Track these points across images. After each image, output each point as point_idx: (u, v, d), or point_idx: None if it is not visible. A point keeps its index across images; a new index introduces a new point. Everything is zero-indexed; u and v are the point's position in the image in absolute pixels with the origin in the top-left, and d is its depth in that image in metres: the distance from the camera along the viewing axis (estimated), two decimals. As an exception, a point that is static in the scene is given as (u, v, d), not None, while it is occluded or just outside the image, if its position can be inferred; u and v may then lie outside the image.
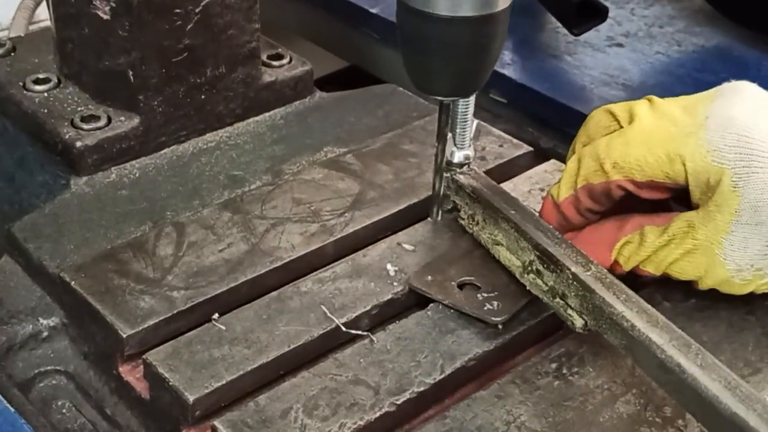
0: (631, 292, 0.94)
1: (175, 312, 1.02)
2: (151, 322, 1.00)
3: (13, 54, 1.37)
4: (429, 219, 1.14)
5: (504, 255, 1.05)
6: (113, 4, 1.19)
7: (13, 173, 1.28)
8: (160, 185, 1.22)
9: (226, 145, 1.30)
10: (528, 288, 1.01)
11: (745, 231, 0.96)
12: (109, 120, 1.24)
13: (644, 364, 0.90)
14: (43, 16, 1.57)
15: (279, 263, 1.08)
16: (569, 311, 0.96)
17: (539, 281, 1.00)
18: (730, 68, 1.51)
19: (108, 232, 1.14)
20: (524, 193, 1.19)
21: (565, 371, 0.98)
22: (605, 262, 1.01)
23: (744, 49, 1.56)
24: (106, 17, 1.20)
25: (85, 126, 1.23)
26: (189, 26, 1.22)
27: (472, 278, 1.05)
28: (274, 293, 1.04)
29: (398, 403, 0.94)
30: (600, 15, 1.49)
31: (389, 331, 1.01)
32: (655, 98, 1.05)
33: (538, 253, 0.99)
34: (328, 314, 1.01)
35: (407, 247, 1.11)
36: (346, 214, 1.15)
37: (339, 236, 1.12)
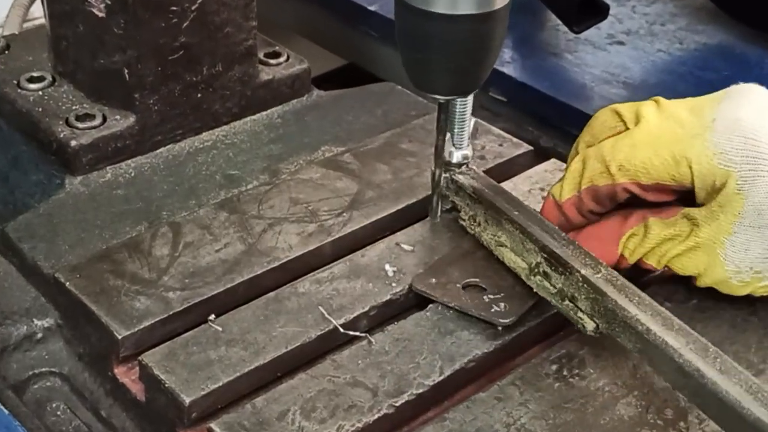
0: (644, 295, 0.94)
1: (171, 313, 1.01)
2: (146, 323, 1.00)
3: (7, 52, 1.37)
4: (428, 219, 1.14)
5: (508, 257, 1.05)
6: (108, 2, 1.19)
7: (7, 173, 1.27)
8: (155, 185, 1.22)
9: (222, 144, 1.30)
10: (535, 290, 1.01)
11: (748, 233, 0.96)
12: (105, 119, 1.24)
13: (661, 368, 0.90)
14: (38, 13, 1.57)
15: (276, 264, 1.08)
16: (579, 314, 0.96)
17: (546, 283, 1.00)
18: (732, 66, 1.51)
19: (103, 232, 1.14)
20: (524, 193, 1.19)
21: (565, 373, 0.98)
22: (612, 257, 1.01)
23: (746, 47, 1.56)
24: (101, 15, 1.20)
25: (80, 125, 1.23)
26: (185, 24, 1.22)
27: (477, 280, 1.05)
28: (271, 294, 1.04)
29: (397, 405, 0.94)
30: (601, 12, 1.49)
31: (388, 333, 1.01)
32: (661, 99, 1.05)
33: (545, 255, 0.99)
34: (326, 315, 1.01)
35: (406, 247, 1.11)
36: (344, 214, 1.15)
37: (337, 236, 1.12)
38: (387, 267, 1.08)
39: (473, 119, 1.09)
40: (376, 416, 0.92)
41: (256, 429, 0.91)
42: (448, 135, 1.08)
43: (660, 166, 0.99)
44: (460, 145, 1.09)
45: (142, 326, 1.00)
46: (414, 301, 1.06)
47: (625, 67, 1.50)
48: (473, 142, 1.11)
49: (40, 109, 1.26)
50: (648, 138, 1.00)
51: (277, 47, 1.38)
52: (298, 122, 1.34)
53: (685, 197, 1.02)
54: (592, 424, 0.93)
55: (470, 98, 1.06)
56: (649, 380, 0.94)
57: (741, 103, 1.00)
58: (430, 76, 0.97)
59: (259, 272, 1.07)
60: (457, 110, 1.07)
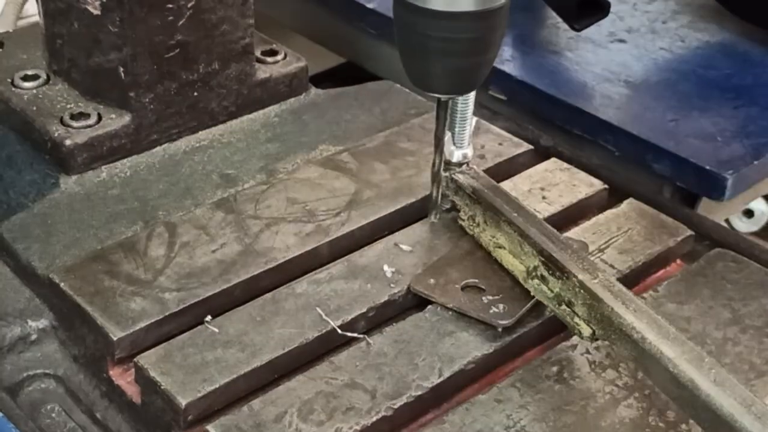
0: (640, 302, 0.93)
1: (167, 314, 1.02)
2: (142, 325, 1.00)
3: (0, 50, 1.37)
4: (427, 219, 1.14)
5: (507, 259, 1.05)
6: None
7: (1, 172, 1.27)
8: (151, 184, 1.22)
9: (219, 143, 1.30)
10: (532, 293, 1.01)
11: None
12: (100, 118, 1.24)
13: (655, 377, 0.90)
14: (32, 11, 1.56)
15: (273, 264, 1.08)
16: (576, 319, 0.96)
17: (544, 287, 1.00)
18: (734, 64, 1.51)
19: (98, 232, 1.14)
20: (524, 193, 1.19)
21: (566, 375, 0.98)
22: None
23: (749, 44, 1.56)
24: (96, 12, 1.20)
25: (74, 124, 1.23)
26: (181, 22, 1.22)
27: (476, 281, 1.05)
28: (268, 295, 1.04)
29: (395, 407, 0.94)
30: (602, 10, 1.50)
31: (386, 334, 1.01)
32: None
33: (542, 259, 0.99)
34: (324, 316, 1.01)
35: (404, 247, 1.11)
36: (342, 214, 1.15)
37: (335, 236, 1.12)
38: (385, 267, 1.08)
39: (474, 118, 1.09)
40: (374, 418, 0.92)
41: (253, 431, 0.91)
42: (448, 134, 1.08)
43: None
44: (461, 144, 1.09)
45: (137, 327, 1.00)
46: (413, 302, 1.06)
47: (626, 66, 1.50)
48: (473, 141, 1.10)
49: (35, 108, 1.26)
50: None
51: (274, 45, 1.38)
52: (295, 121, 1.34)
53: None
54: (593, 427, 0.93)
55: (472, 96, 1.06)
56: (650, 382, 0.94)
57: None
58: (429, 74, 0.97)
59: (256, 273, 1.07)
60: (459, 109, 1.07)
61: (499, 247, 1.05)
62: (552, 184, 1.21)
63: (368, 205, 1.16)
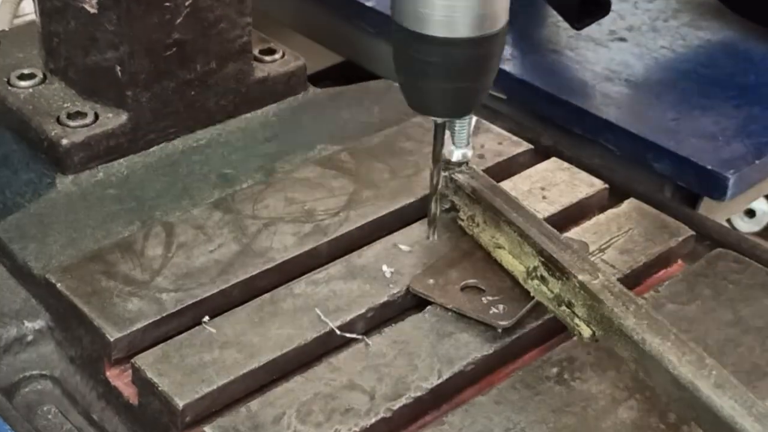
0: (641, 303, 0.93)
1: (164, 315, 1.01)
2: (139, 325, 1.00)
3: (-4, 48, 1.37)
4: (426, 219, 1.14)
5: (506, 259, 1.05)
6: (100, -2, 1.19)
7: (-4, 172, 1.28)
8: (148, 184, 1.22)
9: (216, 142, 1.30)
10: (532, 294, 1.01)
11: None
12: (97, 117, 1.24)
13: (655, 379, 0.90)
14: (28, 9, 1.57)
15: (271, 264, 1.08)
16: (576, 320, 0.96)
17: (544, 288, 1.00)
18: (736, 63, 1.51)
19: (95, 232, 1.14)
20: (524, 193, 1.19)
21: (566, 376, 0.98)
22: None
23: (750, 43, 1.56)
24: (93, 11, 1.20)
25: (71, 123, 1.23)
26: (179, 20, 1.22)
27: (475, 281, 1.05)
28: (266, 295, 1.04)
29: (394, 408, 0.94)
30: (602, 8, 1.50)
31: (385, 335, 1.01)
32: None
33: (542, 259, 0.99)
34: (322, 317, 1.02)
35: (403, 247, 1.11)
36: (341, 214, 1.15)
37: (333, 236, 1.12)
38: (384, 268, 1.08)
39: (474, 117, 1.09)
40: (373, 420, 0.92)
41: (251, 433, 0.91)
42: (448, 133, 1.08)
43: None
44: (461, 143, 1.09)
45: (134, 328, 1.00)
46: (412, 303, 1.06)
47: (627, 65, 1.50)
48: (472, 140, 1.10)
49: (31, 107, 1.26)
50: None
51: (272, 44, 1.38)
52: (293, 120, 1.34)
53: None
54: (593, 428, 0.93)
55: None
56: (651, 384, 0.94)
57: None
58: (426, 98, 0.98)
59: (254, 273, 1.07)
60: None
61: (499, 248, 1.05)
62: (552, 184, 1.21)
63: (367, 205, 1.16)
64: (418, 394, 0.95)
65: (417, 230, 1.13)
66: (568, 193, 1.20)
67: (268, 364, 0.97)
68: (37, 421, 1.04)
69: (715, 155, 1.30)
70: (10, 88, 1.29)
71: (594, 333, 0.95)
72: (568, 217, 1.18)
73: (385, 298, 1.05)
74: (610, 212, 1.18)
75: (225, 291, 1.05)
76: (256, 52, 1.35)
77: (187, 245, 1.10)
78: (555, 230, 1.03)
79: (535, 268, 1.00)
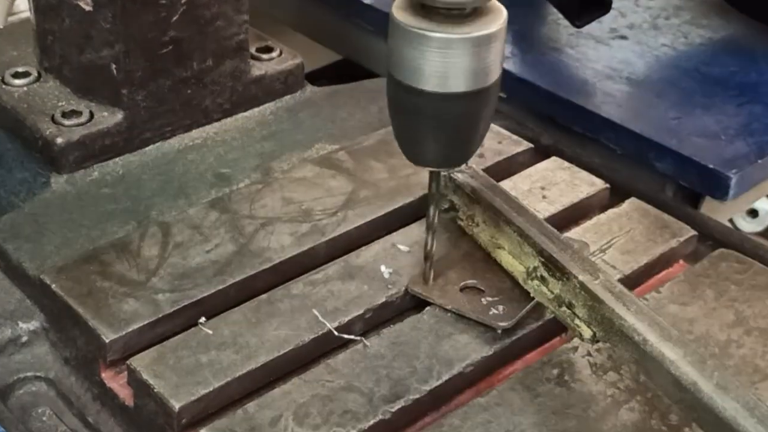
0: (641, 303, 0.93)
1: (160, 316, 1.01)
2: (135, 327, 1.00)
3: (-9, 46, 1.37)
4: (425, 219, 1.14)
5: (506, 259, 1.05)
6: (96, -5, 1.19)
7: (-9, 171, 1.28)
8: (144, 183, 1.22)
9: (213, 141, 1.30)
10: (532, 295, 1.01)
11: None
12: (92, 115, 1.24)
13: (657, 380, 0.90)
14: (23, 7, 1.57)
15: (268, 265, 1.08)
16: (576, 321, 0.96)
17: (544, 288, 1.00)
18: (738, 61, 1.51)
19: (90, 232, 1.14)
20: (524, 192, 1.19)
21: (567, 377, 0.98)
22: None
23: (753, 41, 1.56)
24: (88, 8, 1.20)
25: (66, 122, 1.23)
26: (175, 18, 1.22)
27: (475, 281, 1.05)
28: (263, 296, 1.04)
29: (393, 410, 0.94)
30: (603, 6, 1.50)
31: (383, 336, 1.01)
32: None
33: (542, 259, 0.99)
34: (320, 318, 1.01)
35: (402, 248, 1.11)
36: (339, 214, 1.15)
37: (331, 236, 1.12)
38: (383, 268, 1.08)
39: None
40: (371, 422, 0.92)
41: (248, 435, 0.91)
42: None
43: None
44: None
45: (130, 329, 1.00)
46: (410, 304, 1.06)
47: (628, 63, 1.50)
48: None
49: (26, 106, 1.26)
50: None
51: (269, 42, 1.38)
52: (291, 119, 1.34)
53: None
54: (594, 430, 0.93)
55: None
56: (652, 385, 0.94)
57: None
58: (421, 149, 0.98)
59: (250, 273, 1.07)
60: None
61: (499, 248, 1.05)
62: (552, 183, 1.21)
63: (365, 205, 1.16)
64: (417, 395, 0.95)
65: (416, 230, 1.13)
66: (569, 192, 1.20)
67: (265, 366, 0.97)
68: (31, 423, 1.04)
69: (718, 154, 1.30)
70: (4, 86, 1.29)
71: (595, 334, 0.95)
72: (568, 217, 1.18)
73: (384, 299, 1.05)
74: (611, 212, 1.18)
75: (222, 291, 1.05)
76: (253, 50, 1.35)
77: (184, 245, 1.10)
78: (555, 230, 1.03)
79: (535, 269, 1.00)
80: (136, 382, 0.97)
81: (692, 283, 1.09)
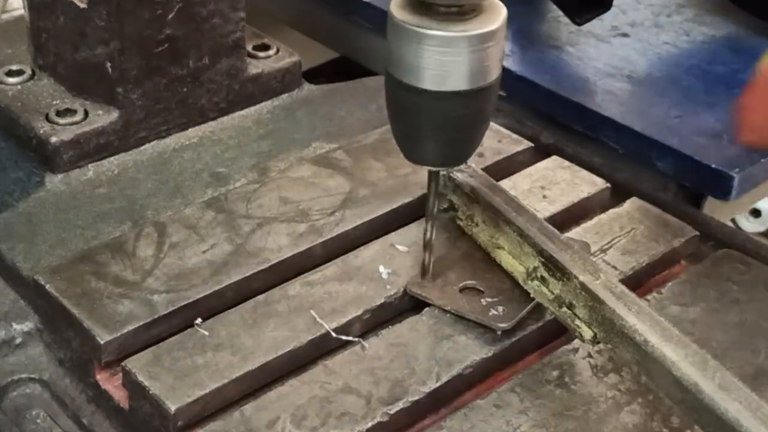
0: (643, 304, 0.93)
1: (155, 317, 1.01)
2: (130, 328, 1.00)
3: (-16, 44, 1.37)
4: (424, 219, 1.14)
5: (506, 259, 1.05)
6: (90, -8, 1.19)
7: (-16, 170, 1.28)
8: (140, 183, 1.22)
9: (209, 140, 1.30)
10: (532, 295, 1.01)
11: None
12: (86, 114, 1.24)
13: (658, 381, 0.90)
14: (17, 4, 1.57)
15: (265, 265, 1.08)
16: (577, 322, 0.96)
17: (544, 289, 1.00)
18: (741, 59, 1.51)
19: (85, 232, 1.14)
20: (524, 192, 1.19)
21: (567, 379, 0.98)
22: None
23: (755, 39, 1.56)
24: (82, 5, 1.20)
25: (60, 120, 1.23)
26: (170, 15, 1.22)
27: (474, 282, 1.05)
28: (260, 297, 1.04)
29: (391, 413, 0.94)
30: (604, 3, 1.50)
31: (382, 337, 1.01)
32: None
33: (542, 260, 0.99)
34: (318, 319, 1.01)
35: (401, 248, 1.11)
36: (336, 214, 1.15)
37: (329, 237, 1.12)
38: (381, 269, 1.08)
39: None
40: (369, 424, 0.92)
41: (245, 438, 0.91)
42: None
43: None
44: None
45: (125, 331, 1.00)
46: (409, 305, 1.06)
47: (629, 61, 1.50)
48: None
49: (20, 104, 1.26)
50: None
51: (266, 39, 1.38)
52: (288, 118, 1.34)
53: None
54: (595, 433, 0.93)
55: None
56: (653, 387, 0.94)
57: None
58: (420, 148, 0.98)
59: (247, 274, 1.07)
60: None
61: (498, 248, 1.05)
62: (553, 183, 1.21)
63: (363, 205, 1.16)
64: (416, 397, 0.95)
65: (414, 230, 1.13)
66: (569, 192, 1.20)
67: (262, 367, 0.97)
68: (25, 425, 1.04)
69: (720, 154, 1.30)
70: (-3, 84, 1.29)
71: (595, 335, 0.95)
72: (569, 217, 1.18)
73: (382, 300, 1.05)
74: (612, 212, 1.18)
75: (218, 292, 1.05)
76: (249, 47, 1.35)
77: (180, 245, 1.10)
78: (555, 230, 1.03)
79: (535, 269, 1.00)
80: (131, 383, 0.97)
81: (694, 283, 1.09)
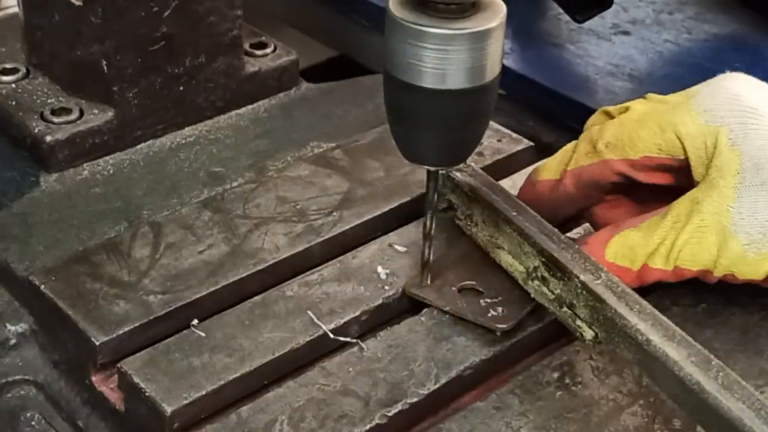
0: (644, 303, 0.93)
1: (151, 318, 1.01)
2: (126, 329, 1.00)
3: (-22, 42, 1.37)
4: (422, 219, 1.14)
5: (505, 259, 1.05)
6: (85, -11, 1.19)
7: (-22, 170, 1.28)
8: (135, 182, 1.22)
9: (206, 139, 1.30)
10: (532, 296, 1.01)
11: (752, 194, 0.97)
12: (81, 113, 1.24)
13: (660, 381, 0.90)
14: (11, 2, 1.56)
15: (263, 266, 1.08)
16: (578, 322, 0.96)
17: (545, 289, 1.00)
18: (743, 57, 1.51)
19: (80, 232, 1.14)
20: (524, 191, 1.19)
21: (567, 381, 0.98)
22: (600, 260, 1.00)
23: (758, 37, 1.56)
24: (77, 3, 1.20)
25: (55, 119, 1.23)
26: (166, 13, 1.22)
27: (473, 283, 1.05)
28: (257, 298, 1.04)
29: (390, 415, 0.94)
30: (605, 1, 1.50)
31: (380, 338, 1.01)
32: (650, 95, 1.09)
33: (543, 259, 0.99)
34: (315, 320, 1.01)
35: (399, 248, 1.11)
36: (334, 214, 1.15)
37: (326, 237, 1.12)
38: (379, 269, 1.08)
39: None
40: (368, 426, 0.92)
41: (242, 440, 0.91)
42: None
43: (646, 137, 1.02)
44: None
45: (121, 332, 1.00)
46: (408, 306, 1.06)
47: (630, 59, 1.50)
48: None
49: (14, 103, 1.26)
50: (635, 116, 1.05)
51: (263, 37, 1.38)
52: (285, 117, 1.34)
53: (683, 187, 1.02)
54: (596, 435, 0.93)
55: None
56: (655, 388, 0.94)
57: (724, 77, 1.05)
58: (418, 147, 0.98)
59: (244, 275, 1.07)
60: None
61: (498, 248, 1.05)
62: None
63: (361, 204, 1.16)
64: (415, 399, 0.95)
65: (413, 230, 1.13)
66: (570, 191, 1.20)
67: (259, 369, 0.97)
68: (20, 427, 1.04)
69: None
70: (-9, 83, 1.29)
71: (597, 335, 0.95)
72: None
73: (380, 301, 1.05)
74: (613, 211, 1.18)
75: (214, 293, 1.05)
76: (246, 46, 1.35)
77: (176, 246, 1.10)
78: (556, 230, 1.03)
79: (535, 269, 1.00)
80: (127, 385, 0.96)
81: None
